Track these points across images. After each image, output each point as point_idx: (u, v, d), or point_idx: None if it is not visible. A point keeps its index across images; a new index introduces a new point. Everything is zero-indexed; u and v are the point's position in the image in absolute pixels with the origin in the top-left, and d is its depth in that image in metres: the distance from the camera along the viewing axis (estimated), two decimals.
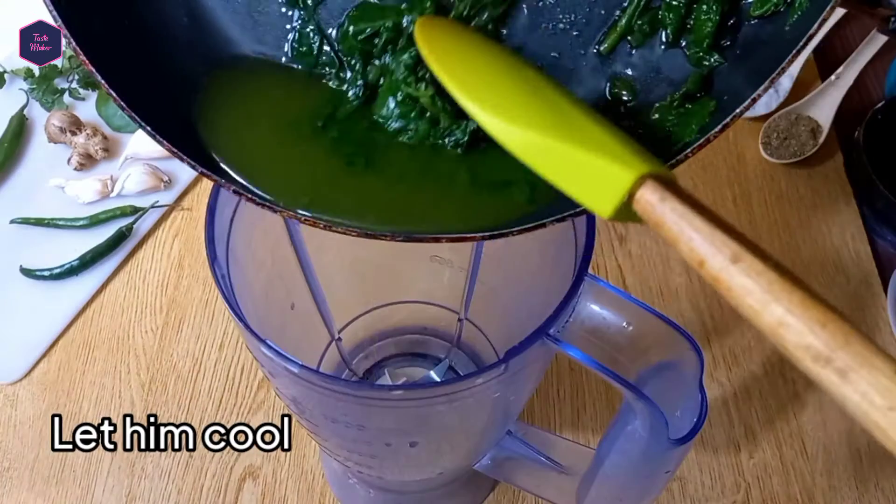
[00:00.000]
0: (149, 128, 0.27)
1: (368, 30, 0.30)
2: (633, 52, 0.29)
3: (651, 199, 0.22)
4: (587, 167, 0.23)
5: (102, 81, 0.26)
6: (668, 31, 0.27)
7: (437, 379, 0.54)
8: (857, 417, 0.18)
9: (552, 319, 0.31)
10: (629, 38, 0.28)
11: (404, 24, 0.29)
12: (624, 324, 0.32)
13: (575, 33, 0.29)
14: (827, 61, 0.73)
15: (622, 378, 0.31)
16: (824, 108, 0.69)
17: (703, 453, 0.55)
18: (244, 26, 0.30)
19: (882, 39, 0.72)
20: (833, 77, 0.71)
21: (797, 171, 0.68)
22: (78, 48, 0.26)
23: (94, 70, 0.26)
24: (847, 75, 0.71)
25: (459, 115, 0.28)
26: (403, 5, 0.29)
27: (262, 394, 0.57)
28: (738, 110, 0.25)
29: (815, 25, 0.23)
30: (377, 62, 0.30)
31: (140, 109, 0.26)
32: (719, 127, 0.25)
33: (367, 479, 0.50)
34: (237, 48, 0.30)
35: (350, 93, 0.30)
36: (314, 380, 0.30)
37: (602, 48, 0.29)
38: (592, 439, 0.56)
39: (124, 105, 0.26)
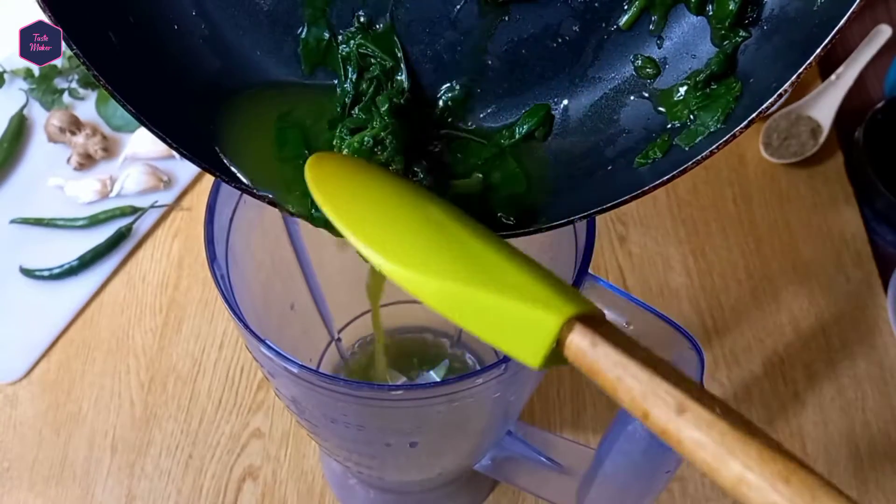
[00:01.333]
0: (167, 138, 0.28)
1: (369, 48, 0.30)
2: (655, 26, 0.28)
3: (581, 345, 0.21)
4: (508, 314, 0.21)
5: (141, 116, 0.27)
6: (691, 4, 0.27)
7: (437, 379, 0.54)
8: None
9: None
10: (650, 10, 0.28)
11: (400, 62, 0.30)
12: (624, 323, 0.32)
13: (596, 5, 0.28)
14: (827, 61, 0.73)
15: None
16: (824, 107, 0.69)
17: None
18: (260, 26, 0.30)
19: (882, 39, 0.72)
20: (833, 77, 0.71)
21: (797, 171, 0.68)
22: (96, 72, 0.27)
23: (128, 105, 0.27)
24: (847, 75, 0.71)
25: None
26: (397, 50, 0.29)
27: (262, 394, 0.57)
28: (763, 105, 0.24)
29: (844, 20, 0.22)
30: (368, 76, 0.30)
31: (159, 119, 0.28)
32: (745, 123, 0.25)
33: (367, 479, 0.50)
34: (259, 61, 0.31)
35: (339, 100, 0.30)
36: (314, 380, 0.30)
37: (622, 22, 0.28)
38: (593, 439, 0.56)
39: (164, 135, 0.28)
